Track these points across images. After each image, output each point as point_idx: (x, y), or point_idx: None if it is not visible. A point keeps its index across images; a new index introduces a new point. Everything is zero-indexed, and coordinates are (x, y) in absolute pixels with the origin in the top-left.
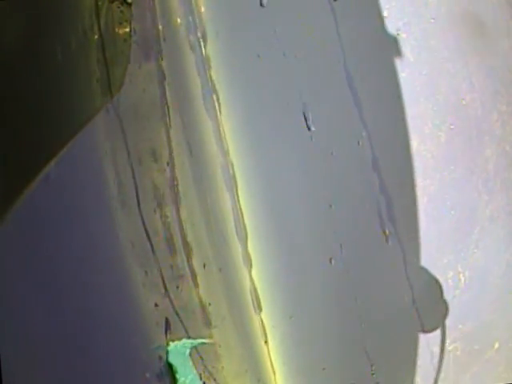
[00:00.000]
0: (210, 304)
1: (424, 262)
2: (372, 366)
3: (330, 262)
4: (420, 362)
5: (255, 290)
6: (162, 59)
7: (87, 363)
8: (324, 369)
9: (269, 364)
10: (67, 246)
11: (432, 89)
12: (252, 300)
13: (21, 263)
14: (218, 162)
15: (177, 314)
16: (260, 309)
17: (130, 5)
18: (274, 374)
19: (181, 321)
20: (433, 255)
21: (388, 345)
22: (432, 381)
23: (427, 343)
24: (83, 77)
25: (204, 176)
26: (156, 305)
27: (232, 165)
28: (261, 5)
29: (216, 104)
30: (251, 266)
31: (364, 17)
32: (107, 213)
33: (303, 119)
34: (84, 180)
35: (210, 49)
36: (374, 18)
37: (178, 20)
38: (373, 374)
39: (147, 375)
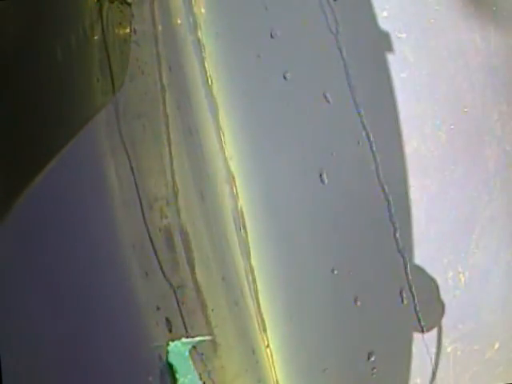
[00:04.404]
0: (211, 307)
1: (424, 261)
2: (373, 368)
3: (333, 270)
4: (420, 362)
5: (256, 290)
6: (161, 60)
7: (87, 363)
8: (325, 369)
9: (269, 364)
10: (67, 246)
11: (432, 89)
12: (253, 300)
13: (21, 263)
14: (219, 164)
15: (177, 315)
16: (260, 309)
17: (129, 5)
18: (275, 374)
19: (181, 321)
20: (433, 255)
21: (388, 346)
22: (432, 381)
23: (427, 344)
24: (83, 77)
25: (204, 175)
26: (157, 305)
27: (230, 171)
28: (265, 9)
29: (215, 103)
30: (253, 268)
31: (364, 17)
32: (108, 213)
33: (303, 120)
34: (84, 180)
35: (210, 49)
36: (373, 18)
37: (178, 20)
38: (373, 374)
39: (147, 376)
